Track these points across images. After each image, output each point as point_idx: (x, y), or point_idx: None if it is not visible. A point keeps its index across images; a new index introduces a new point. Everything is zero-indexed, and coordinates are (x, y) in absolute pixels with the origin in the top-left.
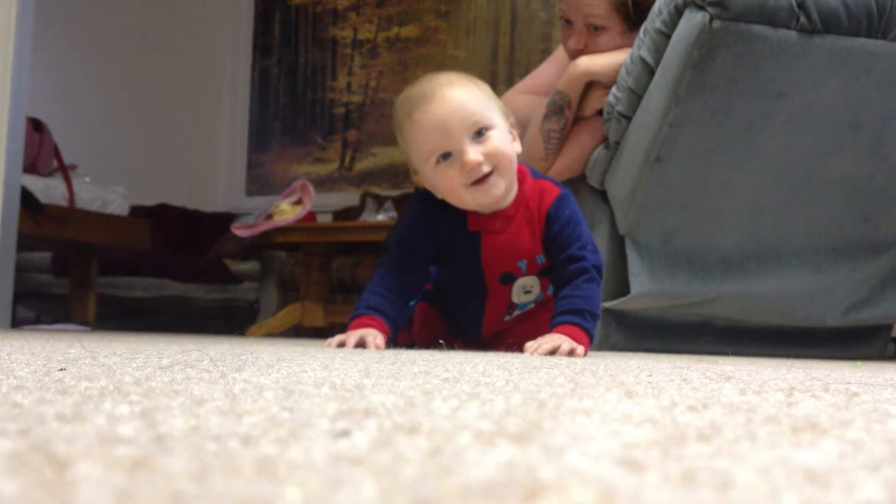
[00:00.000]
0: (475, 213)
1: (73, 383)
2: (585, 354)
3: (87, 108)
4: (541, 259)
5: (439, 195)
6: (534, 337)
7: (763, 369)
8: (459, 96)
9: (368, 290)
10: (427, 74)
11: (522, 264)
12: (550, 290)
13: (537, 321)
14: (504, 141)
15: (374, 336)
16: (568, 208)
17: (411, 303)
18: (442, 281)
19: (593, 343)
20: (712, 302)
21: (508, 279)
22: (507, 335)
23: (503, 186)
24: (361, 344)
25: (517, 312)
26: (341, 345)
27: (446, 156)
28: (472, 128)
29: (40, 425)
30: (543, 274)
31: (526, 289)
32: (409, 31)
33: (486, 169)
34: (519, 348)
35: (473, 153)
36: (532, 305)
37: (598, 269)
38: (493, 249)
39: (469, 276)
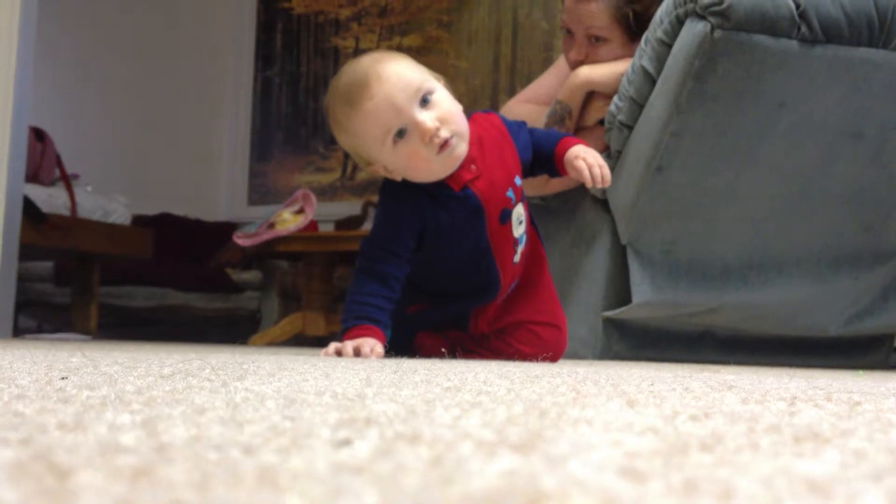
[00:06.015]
0: (448, 177)
1: (75, 392)
2: None
3: (90, 117)
4: (518, 181)
5: (403, 175)
6: (532, 294)
7: (765, 378)
8: (395, 70)
9: (357, 301)
10: (346, 64)
11: (511, 193)
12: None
13: (531, 265)
14: (449, 100)
15: (373, 345)
16: (508, 120)
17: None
18: (435, 270)
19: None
20: (714, 311)
21: (505, 216)
22: (512, 299)
23: (464, 146)
24: (358, 353)
25: (520, 249)
26: (338, 353)
27: (401, 133)
28: (417, 95)
29: (42, 434)
30: (523, 198)
31: (519, 219)
32: (410, 40)
33: (445, 134)
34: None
35: (429, 120)
36: (525, 238)
37: None
38: (486, 191)
39: (472, 237)
